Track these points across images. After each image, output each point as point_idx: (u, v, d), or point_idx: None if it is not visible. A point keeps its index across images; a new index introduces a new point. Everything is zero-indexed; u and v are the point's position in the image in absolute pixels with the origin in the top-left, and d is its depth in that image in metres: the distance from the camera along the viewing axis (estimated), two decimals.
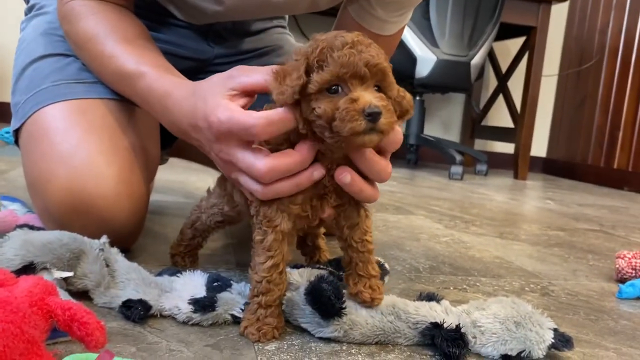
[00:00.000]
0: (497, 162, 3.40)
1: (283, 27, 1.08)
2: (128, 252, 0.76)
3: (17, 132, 0.77)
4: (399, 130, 0.57)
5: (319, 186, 0.55)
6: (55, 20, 0.82)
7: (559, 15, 3.33)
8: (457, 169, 2.54)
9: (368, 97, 0.49)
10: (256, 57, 1.01)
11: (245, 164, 0.55)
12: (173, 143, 0.94)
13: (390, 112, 0.51)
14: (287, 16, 1.11)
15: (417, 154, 3.11)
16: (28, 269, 0.57)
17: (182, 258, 0.74)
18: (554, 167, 3.46)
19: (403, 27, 0.92)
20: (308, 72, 0.51)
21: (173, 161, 1.20)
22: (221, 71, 1.00)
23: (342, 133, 0.49)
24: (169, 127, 0.67)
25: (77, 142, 0.70)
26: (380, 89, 0.52)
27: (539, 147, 3.50)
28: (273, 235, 0.54)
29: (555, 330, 0.58)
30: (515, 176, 2.91)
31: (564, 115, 3.45)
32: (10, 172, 1.37)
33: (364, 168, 0.55)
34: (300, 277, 0.60)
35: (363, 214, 0.58)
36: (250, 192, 0.56)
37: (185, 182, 1.51)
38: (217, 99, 0.57)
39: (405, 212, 1.42)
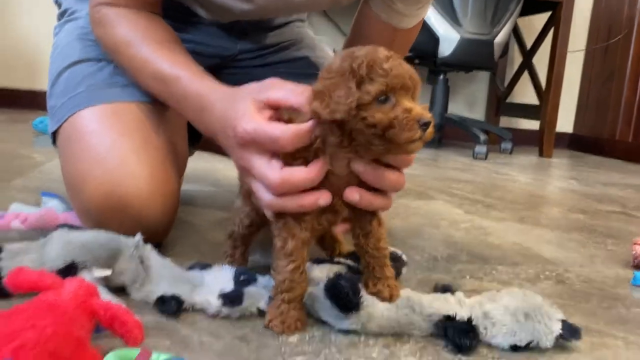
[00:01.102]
0: (522, 139, 3.37)
1: (302, 21, 1.11)
2: (160, 245, 0.81)
3: (54, 134, 0.82)
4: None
5: (331, 204, 0.59)
6: (87, 25, 0.87)
7: None
8: (481, 149, 2.54)
9: (418, 107, 0.54)
10: (278, 50, 1.05)
11: (260, 172, 0.58)
12: (200, 139, 0.98)
13: (431, 124, 0.54)
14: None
15: (441, 133, 3.11)
16: (70, 268, 0.62)
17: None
18: (581, 143, 3.43)
19: (421, 21, 0.94)
20: (358, 85, 0.54)
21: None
22: (245, 66, 1.04)
23: (399, 140, 0.53)
24: (201, 128, 0.71)
25: (112, 144, 0.74)
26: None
27: (566, 123, 3.46)
28: (293, 242, 0.58)
29: (563, 321, 0.61)
30: (541, 154, 2.90)
31: (591, 91, 3.39)
32: (46, 164, 1.43)
33: (376, 184, 0.59)
34: (321, 273, 0.64)
35: (376, 223, 0.62)
36: (262, 201, 0.60)
37: (212, 169, 1.55)
38: (246, 108, 0.60)
39: (427, 198, 1.45)
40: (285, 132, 0.56)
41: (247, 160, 0.60)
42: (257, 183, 0.60)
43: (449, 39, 2.52)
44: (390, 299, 0.61)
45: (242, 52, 0.99)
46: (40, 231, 0.79)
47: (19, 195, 1.07)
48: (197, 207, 1.11)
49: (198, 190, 1.29)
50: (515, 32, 3.13)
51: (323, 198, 0.58)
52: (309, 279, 0.62)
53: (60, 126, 0.79)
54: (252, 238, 0.74)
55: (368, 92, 0.53)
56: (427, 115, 0.53)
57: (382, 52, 0.54)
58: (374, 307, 0.60)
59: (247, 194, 0.71)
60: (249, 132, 0.58)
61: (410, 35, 0.94)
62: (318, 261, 0.69)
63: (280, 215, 0.59)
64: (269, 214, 0.60)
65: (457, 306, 0.63)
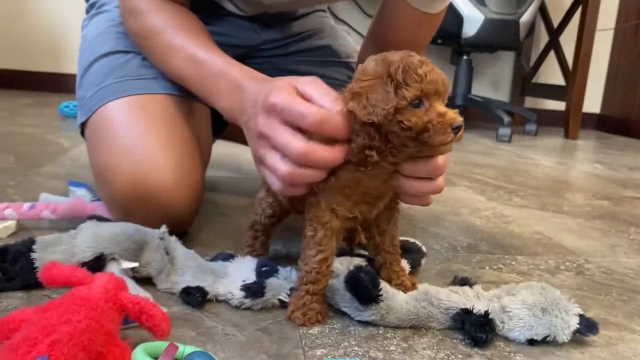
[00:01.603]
0: (548, 120, 3.32)
1: (323, 10, 1.11)
2: (185, 233, 0.84)
3: (83, 125, 0.85)
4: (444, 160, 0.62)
5: (370, 194, 0.60)
6: (116, 17, 0.88)
7: None
8: (505, 131, 2.51)
9: (451, 112, 0.56)
10: (300, 40, 1.05)
11: (283, 139, 0.57)
12: (224, 130, 1.00)
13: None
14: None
15: (465, 115, 3.08)
16: (99, 259, 0.65)
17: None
18: (608, 124, 3.36)
19: (447, 6, 0.94)
20: (395, 90, 0.55)
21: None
22: (268, 56, 1.05)
23: (433, 143, 0.56)
24: (228, 107, 0.70)
25: (138, 136, 0.76)
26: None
27: (593, 103, 3.40)
28: (322, 231, 0.60)
29: (581, 315, 0.62)
30: (566, 135, 2.86)
31: (619, 71, 3.32)
32: (73, 150, 1.47)
33: (418, 173, 0.61)
34: (341, 265, 0.66)
35: (392, 222, 0.65)
36: (273, 174, 0.60)
37: (235, 154, 1.57)
38: (282, 85, 0.61)
39: (449, 184, 1.45)
40: (315, 113, 0.56)
41: (270, 127, 0.59)
42: (272, 153, 0.59)
43: (473, 18, 2.48)
44: (412, 287, 0.65)
45: (265, 42, 1.00)
46: (69, 221, 0.82)
47: (48, 182, 1.10)
48: (221, 193, 1.13)
49: (221, 176, 1.31)
50: (542, 10, 3.06)
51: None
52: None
53: (89, 117, 0.81)
54: (273, 228, 0.76)
55: (404, 97, 0.54)
56: (459, 120, 0.55)
57: (416, 57, 0.56)
58: (393, 300, 0.61)
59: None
60: (280, 102, 0.58)
61: (436, 20, 0.94)
62: (337, 253, 0.70)
63: (312, 204, 0.61)
64: (280, 188, 0.60)
65: (475, 299, 0.64)
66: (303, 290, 0.61)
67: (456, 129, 0.55)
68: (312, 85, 0.60)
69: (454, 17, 2.50)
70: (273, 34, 1.01)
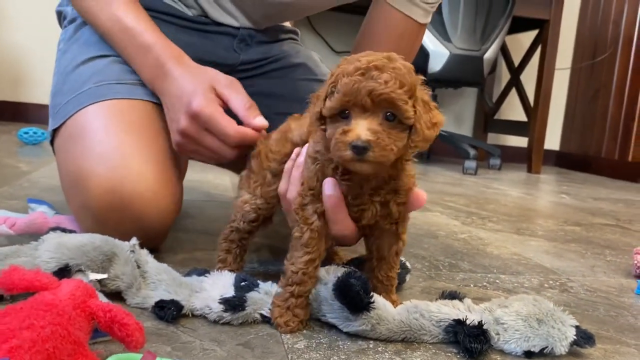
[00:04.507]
0: (510, 156, 3.39)
1: (296, 40, 1.11)
2: (154, 252, 0.78)
3: (54, 133, 0.80)
4: (420, 195, 0.59)
5: (359, 198, 0.58)
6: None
7: (571, 8, 3.31)
8: (471, 164, 2.54)
9: (360, 129, 0.51)
10: (276, 60, 1.04)
11: (211, 144, 0.70)
12: None
13: (381, 147, 0.51)
14: (299, 32, 1.15)
15: (430, 149, 3.12)
16: (64, 271, 0.59)
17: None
18: (568, 160, 3.45)
19: (423, 30, 0.94)
20: (326, 99, 0.54)
21: (190, 161, 1.21)
22: (244, 77, 1.04)
23: (336, 159, 0.54)
24: (146, 82, 0.78)
25: (116, 142, 0.72)
26: (395, 116, 0.53)
27: (552, 140, 3.49)
28: (309, 233, 0.57)
29: (577, 327, 0.59)
30: (529, 170, 2.91)
31: (577, 108, 3.43)
32: (32, 174, 1.39)
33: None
34: (327, 274, 0.62)
35: (394, 251, 0.61)
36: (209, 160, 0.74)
37: (202, 180, 1.53)
38: (204, 90, 0.71)
39: (423, 209, 1.43)
40: (236, 134, 0.69)
41: (194, 131, 0.70)
42: (202, 150, 0.72)
43: (439, 54, 2.53)
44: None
45: (244, 62, 0.99)
46: (29, 236, 0.76)
47: (4, 202, 1.03)
48: (190, 217, 1.08)
49: (190, 200, 1.26)
50: (503, 49, 3.16)
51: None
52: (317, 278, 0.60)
53: (64, 123, 0.77)
54: (251, 237, 0.72)
55: (326, 108, 0.53)
56: (361, 138, 0.50)
57: (360, 63, 0.52)
58: (384, 310, 0.58)
59: (256, 183, 0.69)
60: (203, 114, 0.69)
61: (416, 34, 0.94)
62: (323, 263, 0.66)
63: (300, 206, 0.59)
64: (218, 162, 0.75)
65: (467, 312, 0.61)
66: (288, 292, 0.58)
67: (355, 149, 0.50)
68: (229, 89, 0.72)
69: (420, 52, 2.54)
70: (251, 54, 1.00)
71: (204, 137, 0.70)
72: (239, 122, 0.71)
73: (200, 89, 0.70)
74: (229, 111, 0.71)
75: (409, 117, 0.52)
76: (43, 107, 2.80)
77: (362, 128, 0.51)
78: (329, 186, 0.57)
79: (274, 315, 0.58)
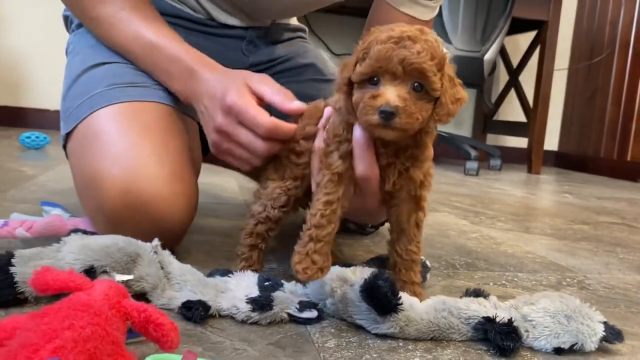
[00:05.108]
0: (509, 157, 3.39)
1: (304, 38, 1.11)
2: (173, 252, 0.78)
3: (67, 136, 0.79)
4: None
5: (383, 156, 0.59)
6: None
7: (568, 9, 3.33)
8: (472, 165, 2.54)
9: (389, 94, 0.52)
10: (285, 61, 1.04)
11: (244, 139, 0.69)
12: (208, 152, 0.95)
13: (409, 113, 0.53)
14: (306, 29, 1.15)
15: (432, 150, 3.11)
16: (88, 272, 0.58)
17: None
18: (566, 161, 3.46)
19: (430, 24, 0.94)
20: (356, 64, 0.55)
21: None
22: None
23: (362, 123, 0.55)
24: (179, 93, 0.77)
25: (131, 144, 0.71)
26: (422, 86, 0.54)
27: (551, 140, 3.50)
28: (329, 176, 0.59)
29: (605, 323, 0.59)
30: (529, 170, 2.92)
31: (575, 109, 3.44)
32: (39, 177, 1.38)
33: None
34: (354, 275, 0.61)
35: (413, 222, 0.61)
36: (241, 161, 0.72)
37: (212, 183, 1.52)
38: (239, 85, 0.70)
39: (430, 210, 1.43)
40: (268, 124, 0.67)
41: (229, 126, 0.70)
42: (235, 146, 0.71)
43: None
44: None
45: (253, 65, 0.99)
46: (45, 239, 0.75)
47: (17, 206, 1.02)
48: (204, 218, 1.08)
49: (200, 202, 1.25)
50: (502, 51, 3.17)
51: None
52: (342, 279, 0.60)
53: (76, 126, 0.76)
54: (277, 229, 0.71)
55: (356, 73, 0.55)
56: (391, 103, 0.52)
57: (394, 32, 0.53)
58: (412, 310, 0.57)
59: (285, 169, 0.69)
60: (236, 106, 0.68)
61: None
62: (347, 265, 0.66)
63: (324, 153, 0.61)
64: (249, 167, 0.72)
65: (494, 309, 0.60)
66: (307, 236, 0.58)
67: (382, 114, 0.52)
68: (263, 85, 0.71)
69: None
70: (260, 56, 1.00)
71: (238, 132, 0.69)
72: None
73: (234, 86, 0.70)
74: (266, 108, 0.71)
75: (436, 89, 0.54)
76: (42, 112, 2.78)
77: (391, 94, 0.52)
78: (360, 129, 0.58)
79: (294, 262, 0.58)
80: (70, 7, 0.86)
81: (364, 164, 0.59)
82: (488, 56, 2.59)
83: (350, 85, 0.56)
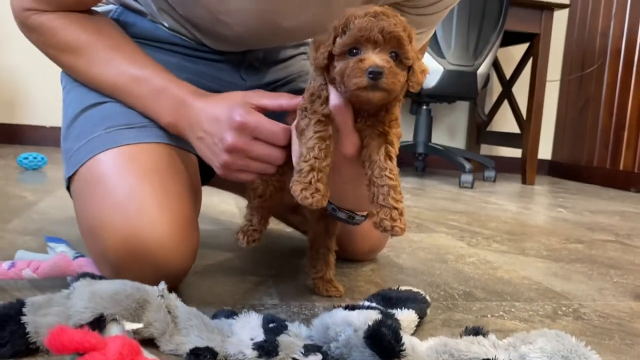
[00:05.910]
0: (503, 167, 3.43)
1: (306, 53, 1.11)
2: (175, 290, 0.79)
3: (69, 179, 0.80)
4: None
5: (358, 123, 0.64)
6: None
7: (560, 21, 3.37)
8: (467, 177, 2.57)
9: (374, 58, 0.58)
10: (285, 84, 1.05)
11: (262, 151, 0.70)
12: (211, 179, 0.97)
13: (394, 74, 0.58)
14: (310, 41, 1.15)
15: (425, 162, 3.15)
16: (99, 321, 0.60)
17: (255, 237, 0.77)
18: (560, 170, 3.50)
19: (426, 45, 0.96)
20: (336, 39, 0.60)
21: None
22: None
23: (349, 87, 0.58)
24: (170, 126, 0.78)
25: (130, 189, 0.73)
26: (398, 56, 0.60)
27: (544, 149, 3.54)
28: (317, 117, 0.63)
29: None
30: (524, 181, 2.95)
31: (567, 119, 3.48)
32: (39, 204, 1.40)
33: None
34: (358, 321, 0.63)
35: (383, 154, 0.63)
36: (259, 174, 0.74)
37: (208, 205, 1.53)
38: (241, 104, 0.72)
39: (427, 230, 1.45)
40: (285, 131, 0.70)
41: (244, 143, 0.70)
42: (250, 161, 0.71)
43: (433, 70, 2.56)
44: (392, 230, 0.61)
45: (251, 87, 0.99)
46: (51, 280, 0.77)
47: (20, 238, 1.03)
48: (205, 247, 1.09)
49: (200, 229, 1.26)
50: (495, 63, 3.21)
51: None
52: (346, 323, 0.61)
53: (77, 170, 0.77)
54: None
55: (338, 45, 0.59)
56: (378, 65, 0.57)
57: (370, 9, 0.59)
58: (415, 354, 0.59)
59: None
60: (250, 122, 0.70)
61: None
62: (351, 307, 0.67)
63: (312, 99, 0.65)
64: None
65: (493, 349, 0.62)
66: (307, 166, 0.61)
67: (371, 74, 0.56)
68: (259, 98, 0.73)
69: None
70: (259, 79, 1.00)
71: (253, 147, 0.70)
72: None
73: (237, 104, 0.71)
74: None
75: (409, 57, 0.60)
76: (38, 129, 2.79)
77: (376, 57, 0.58)
78: (334, 95, 0.62)
79: (297, 190, 0.61)
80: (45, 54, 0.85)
81: (347, 138, 0.64)
82: (481, 70, 2.63)
83: (329, 60, 0.61)
